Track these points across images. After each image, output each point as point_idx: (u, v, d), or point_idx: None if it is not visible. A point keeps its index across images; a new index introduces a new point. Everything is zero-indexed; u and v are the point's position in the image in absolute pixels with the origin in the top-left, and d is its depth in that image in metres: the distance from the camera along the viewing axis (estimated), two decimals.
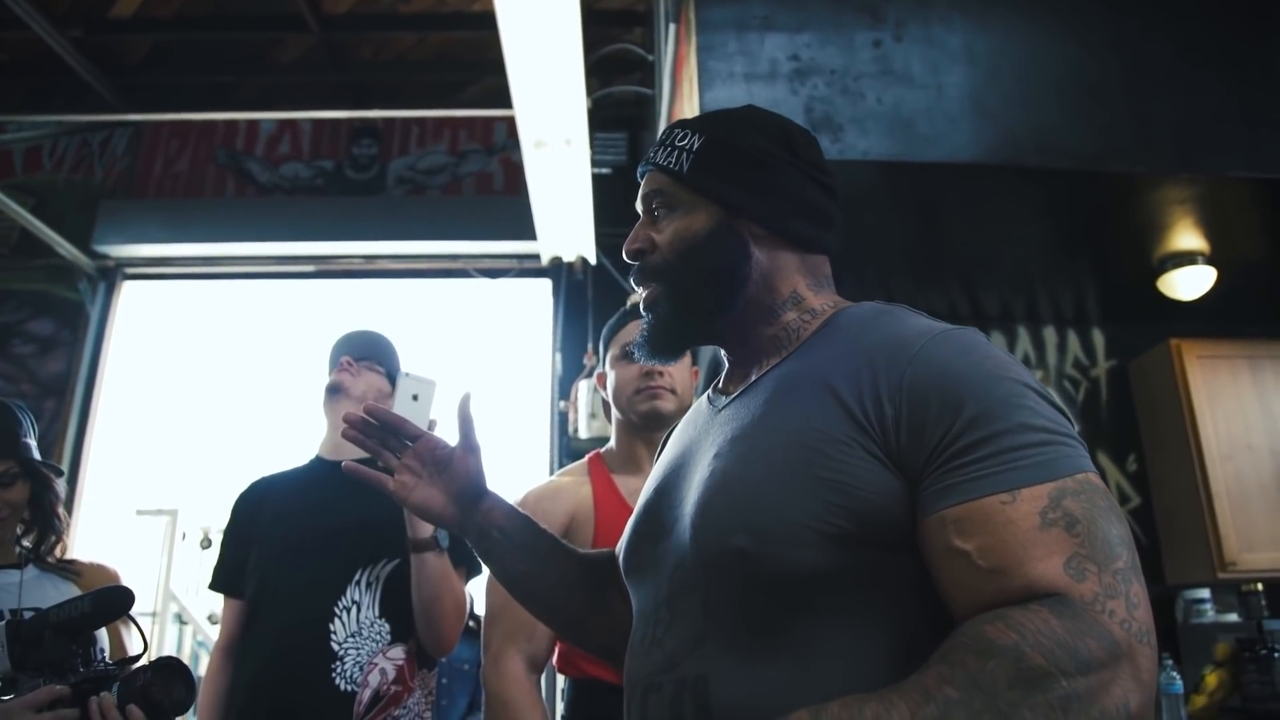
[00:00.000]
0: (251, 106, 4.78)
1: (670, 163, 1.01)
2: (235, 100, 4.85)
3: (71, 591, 1.46)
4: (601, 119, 4.34)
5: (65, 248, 4.37)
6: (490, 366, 4.73)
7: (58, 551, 1.75)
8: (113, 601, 1.41)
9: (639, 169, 1.07)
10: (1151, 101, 2.77)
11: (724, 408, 0.99)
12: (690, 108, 2.75)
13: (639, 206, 1.05)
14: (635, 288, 1.05)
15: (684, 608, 0.90)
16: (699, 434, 1.01)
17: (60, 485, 1.80)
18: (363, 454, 1.88)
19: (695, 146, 1.00)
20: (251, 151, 4.88)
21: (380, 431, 1.15)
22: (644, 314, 1.03)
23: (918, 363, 0.83)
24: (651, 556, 0.98)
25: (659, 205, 1.02)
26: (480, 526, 1.15)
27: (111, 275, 4.60)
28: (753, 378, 0.98)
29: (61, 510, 1.77)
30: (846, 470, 0.82)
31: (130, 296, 4.68)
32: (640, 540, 1.02)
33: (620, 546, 1.07)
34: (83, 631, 1.39)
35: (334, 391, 1.98)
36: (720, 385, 1.06)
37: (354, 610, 1.81)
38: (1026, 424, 0.77)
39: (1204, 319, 3.81)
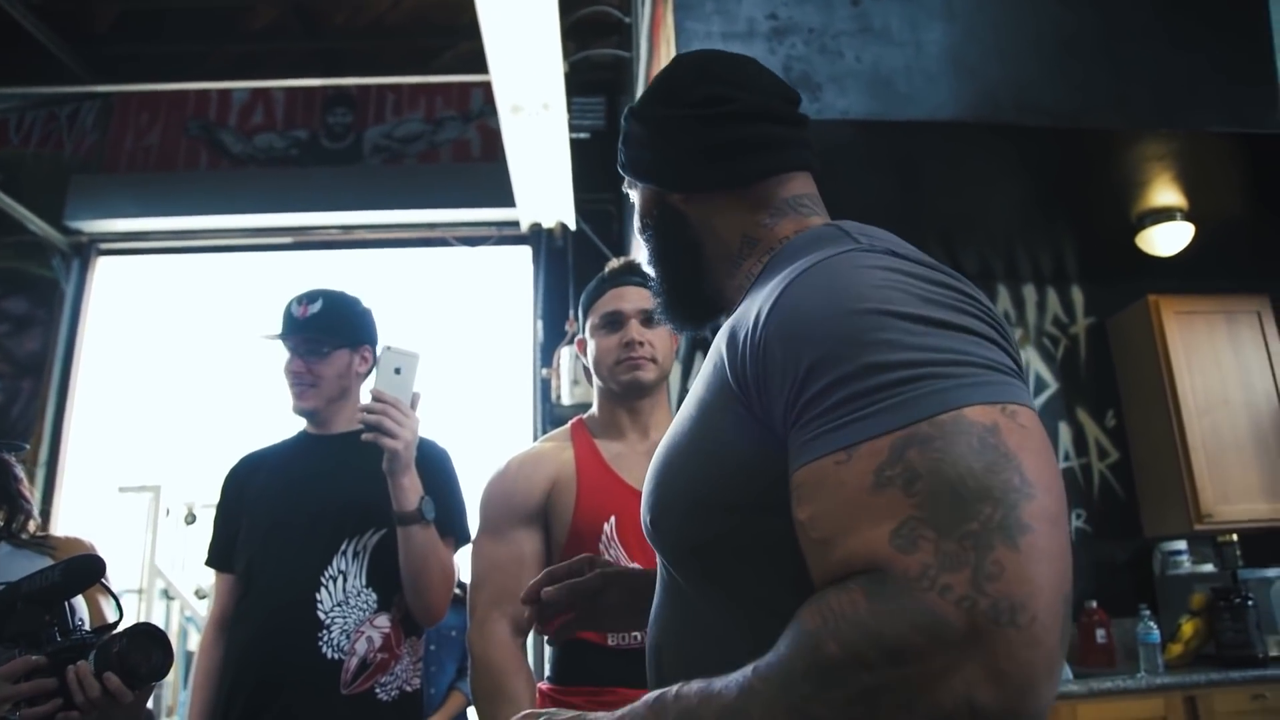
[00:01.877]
0: (223, 76, 4.70)
1: (620, 159, 1.04)
2: (206, 70, 4.77)
3: (47, 565, 1.44)
4: (579, 83, 4.29)
5: (36, 224, 4.30)
6: (471, 335, 4.72)
7: (30, 527, 1.74)
8: (83, 570, 1.39)
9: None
10: (1130, 57, 2.76)
11: None
12: None
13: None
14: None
15: (658, 577, 0.95)
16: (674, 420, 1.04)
17: (18, 465, 1.79)
18: (351, 428, 1.90)
19: (623, 134, 1.03)
20: (224, 122, 4.81)
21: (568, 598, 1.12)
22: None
23: (774, 310, 0.73)
24: None
25: (629, 189, 1.06)
26: (616, 615, 1.16)
27: (85, 251, 4.54)
28: None
29: (25, 488, 1.75)
30: (723, 439, 0.78)
31: (105, 272, 4.62)
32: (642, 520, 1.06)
33: None
34: (56, 601, 1.38)
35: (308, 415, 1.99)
36: None
37: (340, 580, 1.82)
38: (874, 363, 0.64)
39: (1182, 275, 3.84)
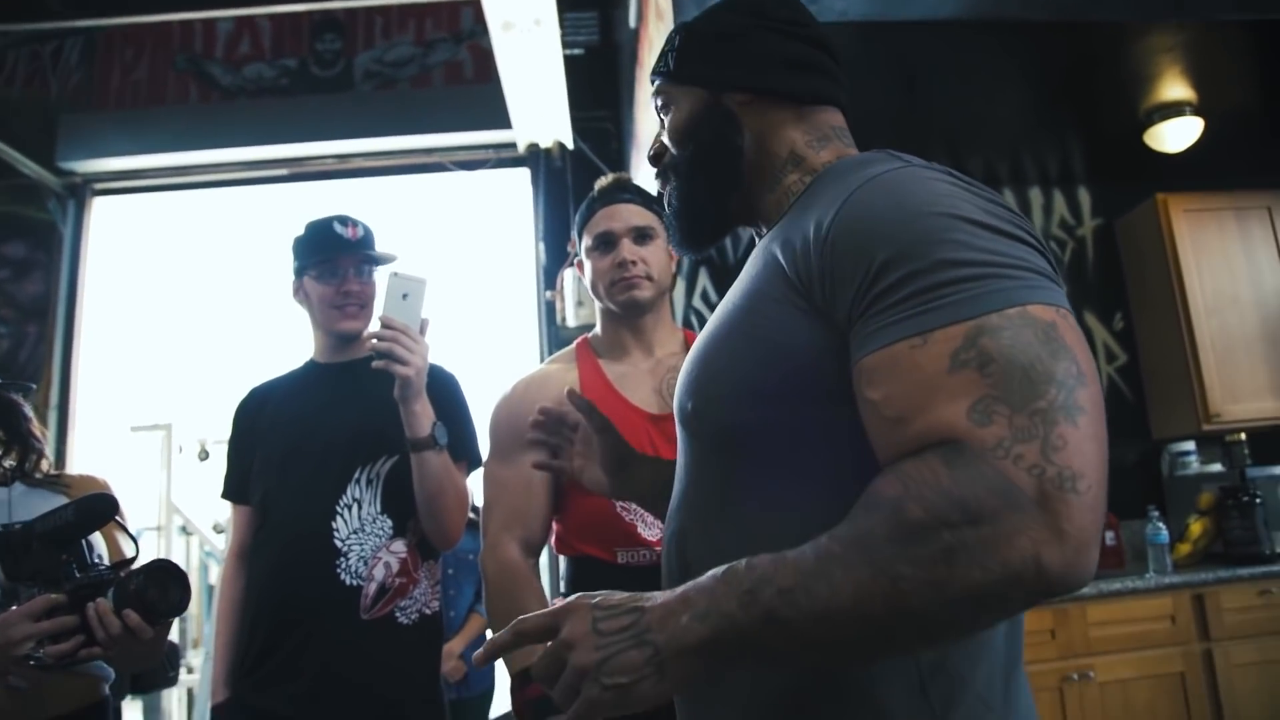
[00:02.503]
0: (205, 6, 4.57)
1: (661, 66, 1.06)
2: (189, 0, 4.64)
3: (61, 503, 1.46)
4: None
5: (29, 166, 4.25)
6: (474, 260, 4.68)
7: (44, 466, 1.75)
8: (96, 508, 1.41)
9: (650, 80, 1.10)
10: None
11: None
12: None
13: (654, 116, 1.09)
14: (661, 189, 1.09)
15: (680, 470, 0.98)
16: (714, 315, 1.05)
17: (27, 405, 1.79)
18: (357, 355, 1.89)
19: (676, 44, 1.05)
20: (211, 54, 4.70)
21: (556, 427, 1.29)
22: (667, 211, 1.07)
23: (842, 211, 0.79)
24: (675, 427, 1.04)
25: (661, 108, 1.06)
26: (637, 490, 1.24)
27: (80, 192, 4.49)
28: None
29: (36, 427, 1.76)
30: (777, 327, 0.82)
31: (102, 212, 4.58)
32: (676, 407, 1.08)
33: None
34: (72, 540, 1.40)
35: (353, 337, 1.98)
36: None
37: (355, 507, 1.84)
38: (946, 259, 0.71)
39: (1191, 172, 3.77)
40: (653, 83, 1.09)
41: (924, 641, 0.70)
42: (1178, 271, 3.66)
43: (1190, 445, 3.73)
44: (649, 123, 2.90)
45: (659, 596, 0.73)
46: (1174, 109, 3.33)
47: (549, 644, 0.73)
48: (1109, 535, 3.49)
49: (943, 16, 2.54)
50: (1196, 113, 3.34)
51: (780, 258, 0.85)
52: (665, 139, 1.06)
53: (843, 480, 0.74)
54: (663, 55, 1.06)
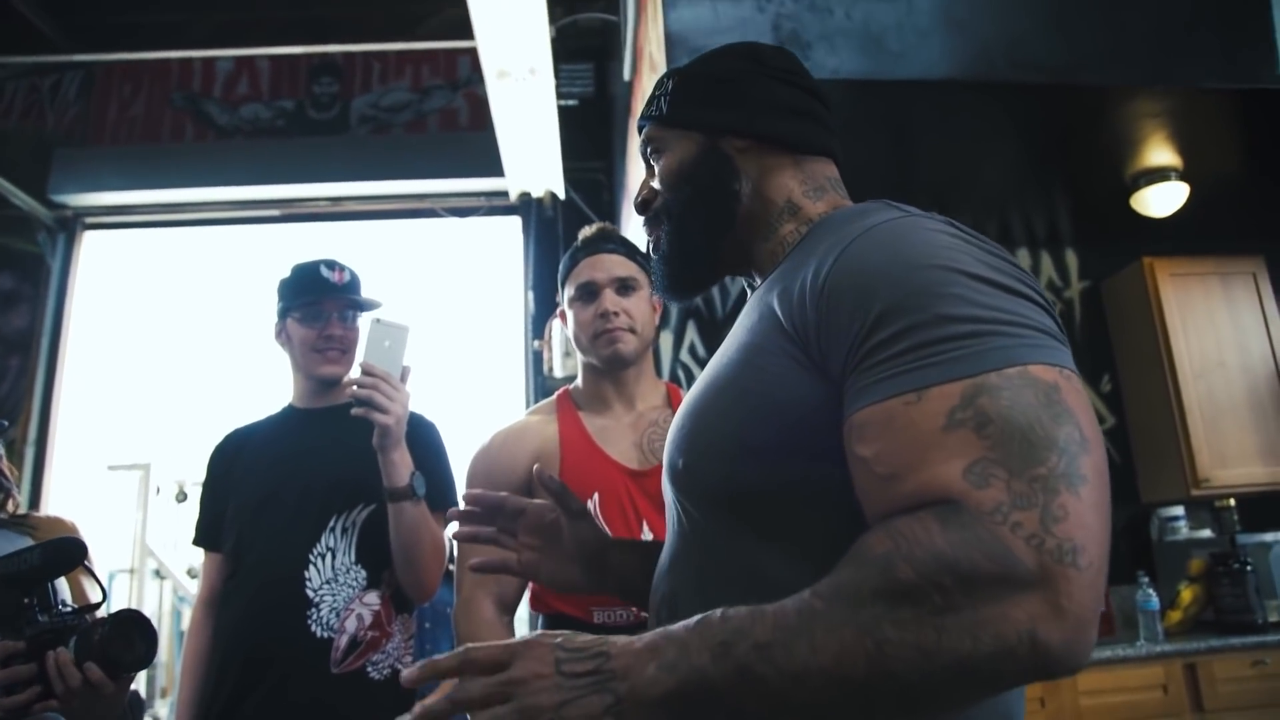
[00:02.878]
0: (206, 45, 4.61)
1: (653, 110, 1.04)
2: (189, 39, 4.68)
3: (26, 545, 1.41)
4: (566, 50, 4.22)
5: (20, 198, 4.24)
6: (462, 307, 4.67)
7: (9, 507, 1.70)
8: (63, 552, 1.35)
9: (637, 126, 1.08)
10: (1124, 10, 2.70)
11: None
12: (655, 30, 2.66)
13: (642, 165, 1.07)
14: (648, 239, 1.06)
15: (670, 529, 0.95)
16: (707, 368, 1.02)
17: None
18: (340, 402, 1.86)
19: (670, 88, 1.03)
20: (209, 93, 4.72)
21: (487, 516, 1.15)
22: (653, 257, 1.05)
23: (840, 260, 0.77)
24: (664, 484, 1.00)
25: (652, 153, 1.04)
26: (618, 582, 1.13)
27: (71, 225, 4.48)
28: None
29: (5, 466, 1.71)
30: (773, 381, 0.80)
31: (92, 247, 4.56)
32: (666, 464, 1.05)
33: None
34: (35, 584, 1.34)
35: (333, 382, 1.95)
36: None
37: (329, 556, 1.80)
38: (945, 315, 0.69)
39: (1176, 236, 3.80)
40: (641, 127, 1.07)
41: (905, 712, 0.65)
42: (1164, 335, 3.67)
43: (1179, 510, 3.71)
44: (640, 173, 2.91)
45: (626, 642, 0.69)
46: (1160, 174, 3.36)
47: (492, 677, 0.69)
48: None
49: (934, 77, 2.57)
50: (1182, 178, 3.37)
51: (777, 309, 0.83)
52: (656, 184, 1.03)
53: (842, 541, 0.69)
54: (653, 99, 1.05)
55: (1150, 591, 3.19)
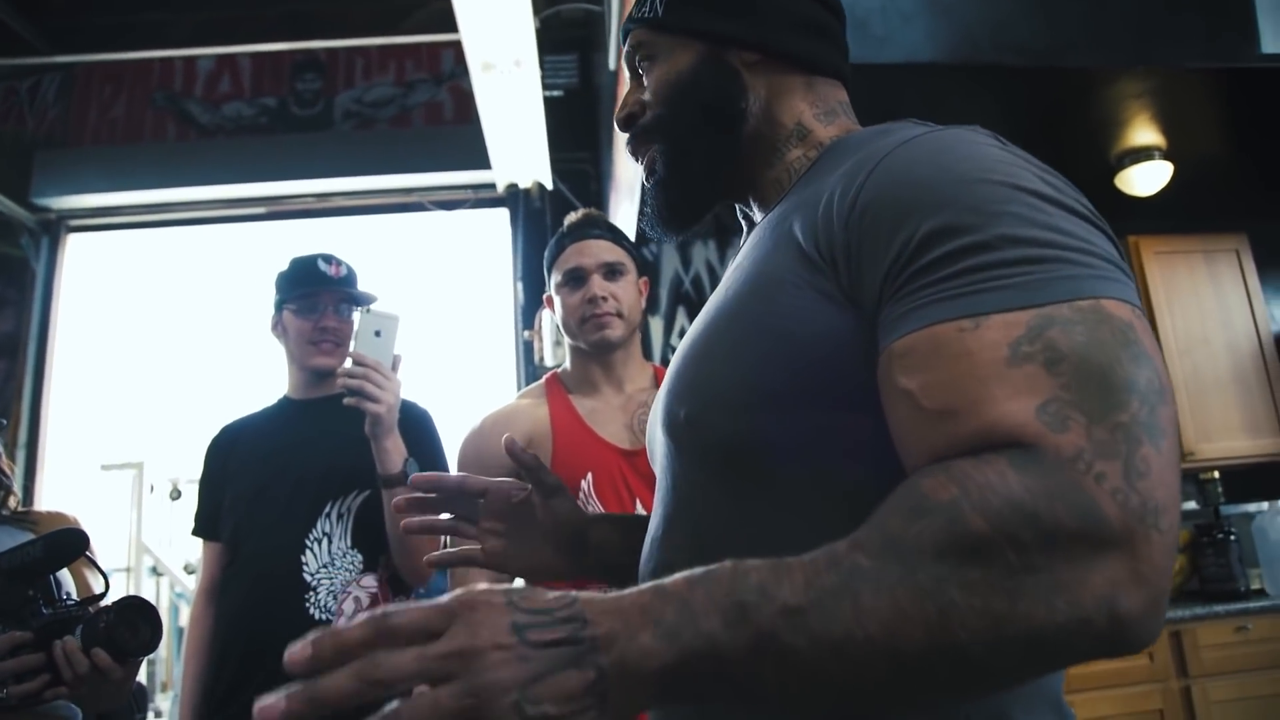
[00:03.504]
0: (186, 44, 4.59)
1: (645, 12, 0.91)
2: (168, 38, 4.65)
3: (28, 540, 1.42)
4: (551, 41, 4.22)
5: (3, 202, 4.22)
6: (452, 299, 4.68)
7: (10, 503, 1.71)
8: (65, 544, 1.36)
9: (621, 32, 0.95)
10: None
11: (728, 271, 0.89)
12: None
13: (625, 72, 0.95)
14: (633, 158, 0.94)
15: (663, 494, 0.82)
16: (706, 306, 0.89)
17: None
18: (331, 392, 1.87)
19: None
20: (190, 92, 4.70)
21: (442, 502, 0.98)
22: (645, 182, 0.92)
23: (875, 175, 0.67)
24: (654, 444, 0.89)
25: (642, 60, 0.92)
26: (599, 559, 0.99)
27: (54, 228, 4.46)
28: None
29: (4, 463, 1.72)
30: (791, 315, 0.69)
31: (76, 249, 4.54)
32: (649, 429, 0.93)
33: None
34: (39, 576, 1.36)
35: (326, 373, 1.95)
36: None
37: (325, 542, 1.82)
38: (1008, 235, 0.59)
39: (1161, 215, 3.84)
40: (626, 30, 0.94)
41: (956, 688, 0.55)
42: (1150, 312, 3.72)
43: None
44: (628, 165, 2.92)
45: (606, 600, 0.54)
46: (1144, 154, 3.40)
47: (425, 648, 0.50)
48: None
49: (919, 60, 2.59)
50: (1166, 157, 3.41)
51: (797, 235, 0.72)
52: (647, 96, 0.90)
53: (873, 500, 0.58)
54: (646, 1, 0.91)
55: None
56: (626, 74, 0.95)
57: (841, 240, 0.67)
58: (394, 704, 0.49)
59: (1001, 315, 0.57)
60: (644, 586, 0.55)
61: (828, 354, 0.67)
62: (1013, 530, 0.51)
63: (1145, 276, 3.74)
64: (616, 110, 0.94)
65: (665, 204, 0.90)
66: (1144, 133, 3.27)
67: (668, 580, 0.55)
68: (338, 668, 0.50)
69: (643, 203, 0.94)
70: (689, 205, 0.90)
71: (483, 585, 0.54)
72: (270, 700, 0.50)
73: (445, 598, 0.53)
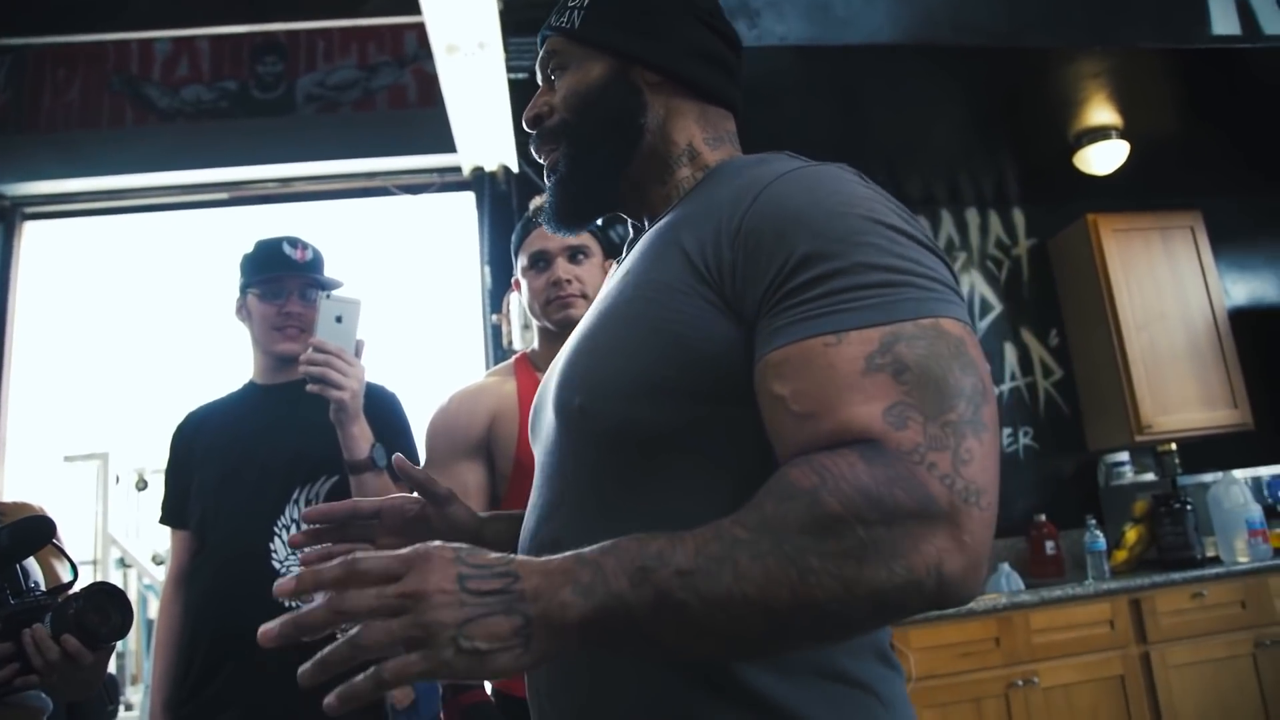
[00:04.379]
0: (142, 26, 4.50)
1: (563, 22, 0.98)
2: (123, 20, 4.56)
3: None
4: (515, 23, 4.18)
5: None
6: (419, 284, 4.65)
7: None
8: (31, 531, 1.34)
9: (538, 37, 1.03)
10: None
11: (614, 275, 0.98)
12: None
13: (538, 75, 1.02)
14: (535, 155, 1.01)
15: (549, 474, 0.90)
16: (596, 305, 0.98)
17: None
18: (296, 377, 1.86)
19: (586, 2, 0.97)
20: (148, 76, 4.61)
21: (338, 531, 1.00)
22: (546, 180, 1.00)
23: (758, 203, 0.77)
24: (538, 427, 0.98)
25: (554, 67, 0.99)
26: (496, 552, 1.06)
27: (10, 216, 4.37)
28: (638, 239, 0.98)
29: None
30: (683, 320, 0.78)
31: (33, 236, 4.45)
32: (533, 417, 1.02)
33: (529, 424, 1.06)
34: (6, 565, 1.34)
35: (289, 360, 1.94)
36: (623, 256, 1.04)
37: (293, 528, 1.81)
38: (865, 263, 0.71)
39: (1118, 194, 3.92)
40: (543, 37, 1.01)
41: (816, 638, 0.68)
42: (1108, 289, 3.79)
43: (1125, 456, 3.84)
44: None
45: (535, 563, 0.65)
46: (1101, 133, 3.46)
47: (386, 588, 0.62)
48: (1050, 544, 3.57)
49: (879, 41, 2.62)
50: (1122, 136, 3.48)
51: (687, 249, 0.81)
52: (555, 100, 0.98)
53: (749, 482, 0.70)
54: (565, 10, 0.98)
55: (1098, 533, 3.31)
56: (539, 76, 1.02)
57: (729, 259, 0.78)
58: (356, 629, 0.62)
59: (859, 332, 0.69)
60: (566, 554, 0.66)
61: (713, 354, 0.77)
62: (860, 510, 0.62)
63: (1104, 253, 3.81)
64: (526, 110, 1.00)
65: (562, 201, 0.98)
66: (1101, 112, 3.33)
67: (585, 550, 0.66)
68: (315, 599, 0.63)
69: (546, 196, 1.01)
70: (584, 204, 0.99)
71: (437, 543, 0.65)
72: (266, 626, 0.65)
73: (405, 550, 0.64)
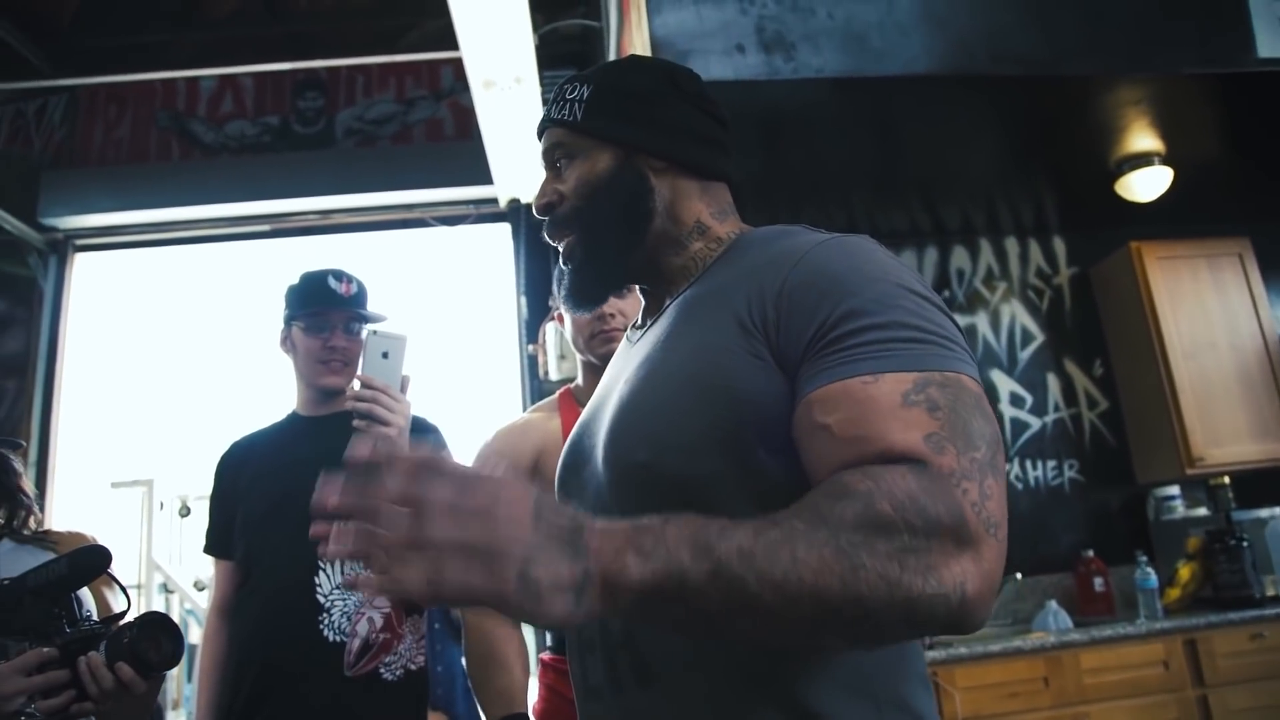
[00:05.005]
0: (188, 65, 4.62)
1: (565, 115, 1.04)
2: (171, 59, 4.68)
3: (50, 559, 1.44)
4: (549, 56, 4.23)
5: (11, 223, 4.24)
6: (456, 314, 4.69)
7: (31, 524, 1.73)
8: (89, 561, 1.39)
9: (537, 128, 1.09)
10: (1101, 0, 2.75)
11: (638, 340, 1.05)
12: (640, 35, 2.69)
13: (542, 164, 1.08)
14: (550, 241, 1.07)
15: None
16: (619, 368, 1.06)
17: (18, 461, 1.77)
18: (340, 409, 1.88)
19: (585, 95, 1.04)
20: (194, 112, 4.73)
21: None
22: (563, 264, 1.06)
23: (800, 266, 0.86)
24: (577, 485, 1.01)
25: (560, 157, 1.05)
26: None
27: (62, 248, 4.48)
28: (664, 307, 1.03)
29: (26, 483, 1.74)
30: (734, 375, 0.85)
31: (83, 268, 4.56)
32: (567, 471, 1.05)
33: (555, 482, 1.09)
34: (63, 594, 1.38)
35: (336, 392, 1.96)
36: (638, 322, 1.11)
37: (338, 562, 1.82)
38: (899, 321, 0.80)
39: (1162, 220, 3.85)
40: (544, 128, 1.07)
41: (854, 635, 0.70)
42: (1154, 318, 3.71)
43: (1175, 489, 3.74)
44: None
45: (601, 523, 0.67)
46: (1143, 159, 3.41)
47: (458, 497, 0.62)
48: (1098, 581, 3.48)
49: (915, 72, 2.61)
50: (1165, 162, 3.42)
51: (735, 311, 0.88)
52: (563, 189, 1.04)
53: None
54: (565, 103, 1.05)
55: (1149, 570, 3.22)
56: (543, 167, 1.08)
57: (772, 317, 0.85)
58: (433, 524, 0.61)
59: (894, 374, 0.77)
60: (628, 521, 0.68)
61: (765, 406, 0.84)
62: (909, 516, 0.68)
63: (1149, 281, 3.74)
64: (535, 197, 1.07)
65: (581, 284, 1.05)
66: (1143, 138, 3.28)
67: (646, 520, 0.68)
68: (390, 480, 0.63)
69: (562, 281, 1.07)
70: (601, 286, 1.06)
71: (511, 473, 0.67)
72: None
73: (486, 469, 0.65)
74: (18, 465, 1.76)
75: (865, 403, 0.75)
